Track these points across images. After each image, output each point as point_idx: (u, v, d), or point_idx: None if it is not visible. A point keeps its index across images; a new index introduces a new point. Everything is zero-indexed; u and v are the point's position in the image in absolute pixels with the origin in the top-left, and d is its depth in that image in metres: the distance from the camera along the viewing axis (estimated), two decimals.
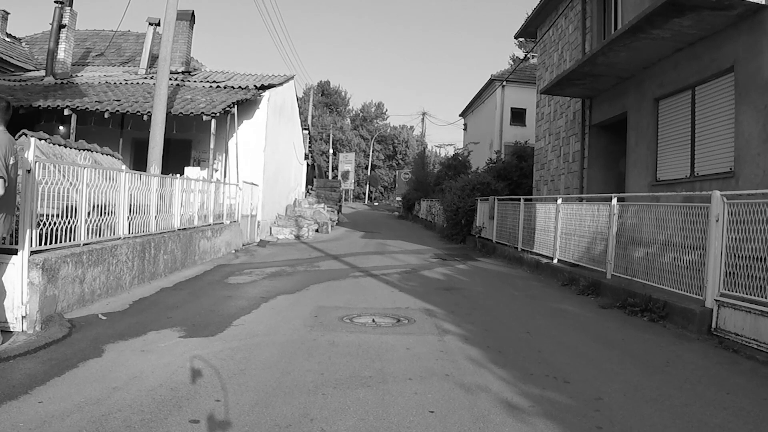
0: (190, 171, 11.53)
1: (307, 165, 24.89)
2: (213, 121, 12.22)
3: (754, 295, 4.50)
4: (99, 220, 5.84)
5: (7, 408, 2.80)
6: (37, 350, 3.81)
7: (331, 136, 57.32)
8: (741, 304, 4.61)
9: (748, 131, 6.76)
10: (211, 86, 14.61)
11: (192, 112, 12.06)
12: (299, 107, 22.12)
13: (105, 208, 6.00)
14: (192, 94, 13.59)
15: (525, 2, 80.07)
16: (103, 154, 7.89)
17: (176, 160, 13.01)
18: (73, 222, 5.28)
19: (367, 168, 62.75)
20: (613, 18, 10.76)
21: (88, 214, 5.59)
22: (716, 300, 4.95)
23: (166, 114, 10.74)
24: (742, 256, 4.74)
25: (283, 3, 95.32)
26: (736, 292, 4.76)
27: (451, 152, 35.66)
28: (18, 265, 4.27)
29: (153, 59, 15.42)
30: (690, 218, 5.65)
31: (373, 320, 5.29)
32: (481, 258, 12.19)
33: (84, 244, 5.46)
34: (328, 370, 3.67)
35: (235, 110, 13.04)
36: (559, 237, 9.22)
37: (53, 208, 4.86)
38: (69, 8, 14.80)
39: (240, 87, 14.50)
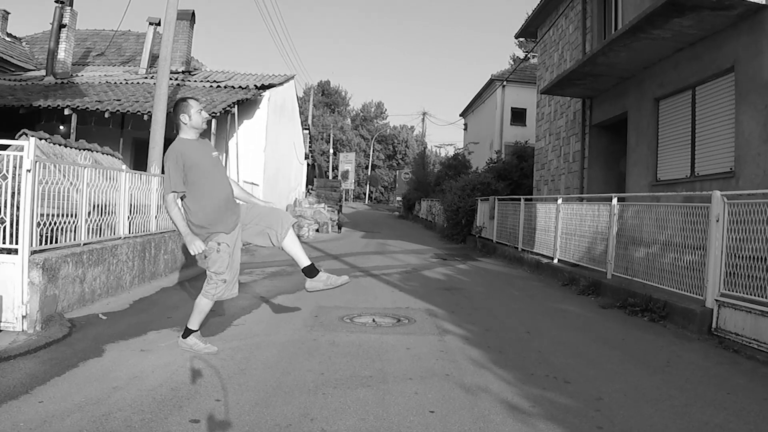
0: None
1: (308, 165, 24.90)
2: (213, 121, 12.23)
3: (755, 295, 4.50)
4: (99, 220, 5.84)
5: (7, 407, 2.80)
6: (37, 350, 3.81)
7: (332, 135, 57.32)
8: (741, 304, 4.60)
9: (748, 131, 6.76)
10: (211, 86, 14.61)
11: None
12: (299, 107, 22.13)
13: (105, 208, 6.00)
14: (192, 94, 13.59)
15: (525, 2, 80.00)
16: (103, 153, 7.88)
17: None
18: (74, 222, 5.29)
19: (367, 168, 62.74)
20: (614, 18, 10.76)
21: (89, 213, 5.59)
22: (716, 300, 4.95)
23: (167, 114, 10.74)
24: (743, 256, 4.74)
25: (283, 3, 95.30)
26: (737, 292, 4.76)
27: (451, 152, 35.67)
28: (18, 264, 4.27)
29: (153, 59, 15.42)
30: (690, 218, 5.65)
31: (374, 320, 5.29)
32: (482, 258, 12.19)
33: (84, 244, 5.46)
34: (328, 370, 3.67)
35: (235, 110, 13.04)
36: (560, 237, 9.22)
37: (54, 207, 4.86)
38: (69, 8, 14.80)
39: (240, 87, 14.50)
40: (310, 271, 4.05)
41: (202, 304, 3.99)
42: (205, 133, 13.97)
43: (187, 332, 4.05)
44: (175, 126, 4.10)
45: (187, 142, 3.99)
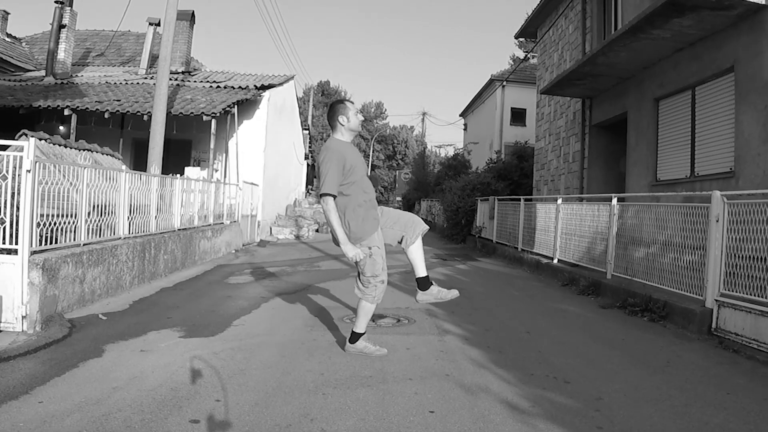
0: (190, 171, 11.54)
1: (308, 165, 24.89)
2: (213, 121, 12.23)
3: (755, 295, 4.50)
4: (99, 220, 5.84)
5: (7, 408, 2.80)
6: (37, 350, 3.81)
7: None
8: (741, 304, 4.60)
9: (748, 131, 6.76)
10: (211, 86, 14.61)
11: (192, 112, 12.07)
12: (299, 107, 22.12)
13: (105, 208, 6.01)
14: (192, 94, 13.60)
15: (525, 2, 80.00)
16: (103, 154, 7.89)
17: (176, 160, 13.03)
18: (74, 222, 5.29)
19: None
20: (614, 18, 10.77)
21: (89, 214, 5.59)
22: (716, 300, 4.94)
23: (166, 114, 10.74)
24: (742, 256, 4.74)
25: (283, 3, 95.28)
26: (737, 292, 4.75)
27: (451, 152, 35.64)
28: (18, 265, 4.27)
29: (153, 59, 15.43)
30: (690, 218, 5.64)
31: (373, 320, 5.28)
32: (482, 258, 12.19)
33: (84, 244, 5.46)
34: (328, 370, 3.67)
35: (235, 110, 13.04)
36: (560, 237, 9.22)
37: (53, 208, 4.86)
38: (69, 8, 14.81)
39: (240, 87, 14.50)
40: (424, 283, 4.04)
41: (367, 308, 3.94)
42: (204, 133, 13.99)
43: (355, 337, 4.02)
44: (330, 127, 4.05)
45: (346, 144, 3.93)
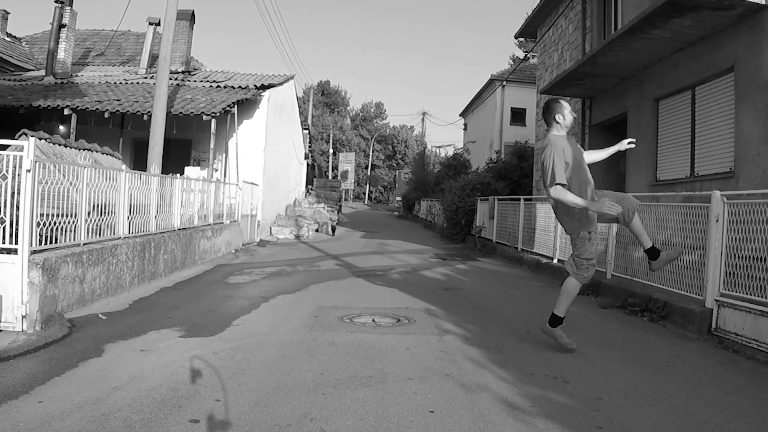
0: (190, 171, 11.53)
1: (307, 165, 24.89)
2: (213, 121, 12.22)
3: (754, 295, 4.50)
4: (99, 220, 5.83)
5: (7, 407, 2.80)
6: (37, 350, 3.81)
7: (332, 135, 57.32)
8: (741, 304, 4.60)
9: (748, 131, 6.76)
10: (211, 86, 14.60)
11: (192, 112, 12.06)
12: (299, 107, 22.12)
13: (105, 208, 6.01)
14: (192, 94, 13.59)
15: (525, 2, 80.00)
16: (103, 153, 7.89)
17: (176, 159, 13.01)
18: (73, 221, 5.28)
19: (367, 168, 62.73)
20: (614, 18, 10.76)
21: (88, 213, 5.59)
22: (716, 300, 4.94)
23: (166, 114, 10.74)
24: (742, 256, 4.74)
25: (283, 3, 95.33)
26: (736, 292, 4.75)
27: (451, 152, 35.60)
28: (18, 264, 4.27)
29: (153, 59, 15.42)
30: (690, 218, 5.65)
31: (373, 320, 5.29)
32: (481, 258, 12.19)
33: (84, 244, 5.46)
34: (328, 370, 3.67)
35: (235, 110, 13.04)
36: (560, 237, 9.21)
37: (53, 207, 4.86)
38: (69, 8, 14.80)
39: (240, 87, 14.49)
40: (653, 253, 4.32)
41: (572, 287, 4.21)
42: (204, 133, 13.96)
43: (556, 320, 4.23)
44: (546, 124, 4.31)
45: (563, 137, 4.16)
